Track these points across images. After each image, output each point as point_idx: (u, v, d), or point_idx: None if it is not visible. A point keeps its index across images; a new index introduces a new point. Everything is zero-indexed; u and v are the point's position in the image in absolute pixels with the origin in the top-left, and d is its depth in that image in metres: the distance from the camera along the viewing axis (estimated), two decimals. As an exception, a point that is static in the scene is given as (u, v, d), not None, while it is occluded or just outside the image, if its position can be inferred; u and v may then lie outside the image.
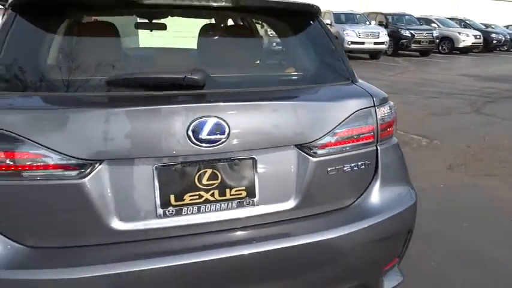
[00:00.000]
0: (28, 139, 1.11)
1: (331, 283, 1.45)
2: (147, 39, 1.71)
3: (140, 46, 1.72)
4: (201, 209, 1.26)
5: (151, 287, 1.19)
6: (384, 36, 14.55)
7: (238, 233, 1.30)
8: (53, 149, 1.12)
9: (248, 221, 1.31)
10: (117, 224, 1.19)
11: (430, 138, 4.71)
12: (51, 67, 1.33)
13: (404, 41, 15.61)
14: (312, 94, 1.46)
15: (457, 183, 3.47)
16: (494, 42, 18.96)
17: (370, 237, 1.42)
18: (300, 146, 1.34)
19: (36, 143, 1.11)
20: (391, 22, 16.58)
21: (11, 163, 1.11)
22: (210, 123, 1.20)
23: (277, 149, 1.33)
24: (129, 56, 1.67)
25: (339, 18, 15.29)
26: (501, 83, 9.63)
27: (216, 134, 1.21)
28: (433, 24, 17.81)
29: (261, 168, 1.31)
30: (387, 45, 14.89)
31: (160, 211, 1.22)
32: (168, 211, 1.23)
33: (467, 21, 19.77)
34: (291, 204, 1.35)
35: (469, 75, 10.99)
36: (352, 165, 1.43)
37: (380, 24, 16.20)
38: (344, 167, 1.41)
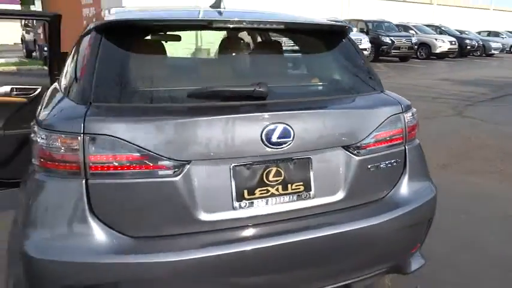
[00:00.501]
0: (131, 143, 1.32)
1: (374, 263, 1.70)
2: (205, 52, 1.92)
3: (207, 58, 1.94)
4: (268, 201, 1.49)
5: (230, 268, 1.40)
6: (365, 43, 14.84)
7: (299, 221, 1.53)
8: (152, 152, 1.33)
9: (306, 211, 1.55)
10: (202, 215, 1.41)
11: (420, 140, 5.04)
12: (141, 80, 1.54)
13: (385, 47, 16.20)
14: (353, 102, 1.71)
15: (448, 181, 3.79)
16: (468, 47, 19.85)
17: (401, 224, 1.68)
18: (346, 147, 1.59)
19: (139, 146, 1.32)
20: (372, 29, 17.15)
21: (118, 164, 1.32)
22: (280, 128, 1.44)
23: (327, 149, 1.57)
24: (202, 69, 1.88)
25: None
26: (478, 86, 10.20)
27: (284, 138, 1.44)
28: (411, 31, 18.52)
29: (315, 166, 1.55)
30: (369, 52, 15.35)
31: (236, 204, 1.45)
32: (242, 204, 1.45)
33: (442, 28, 20.63)
34: (339, 196, 1.60)
35: (447, 79, 11.55)
36: (387, 162, 1.69)
37: (361, 31, 16.72)
38: (380, 164, 1.67)
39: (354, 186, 1.61)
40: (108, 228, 1.34)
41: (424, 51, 18.25)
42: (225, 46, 1.87)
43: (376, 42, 16.05)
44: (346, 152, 1.59)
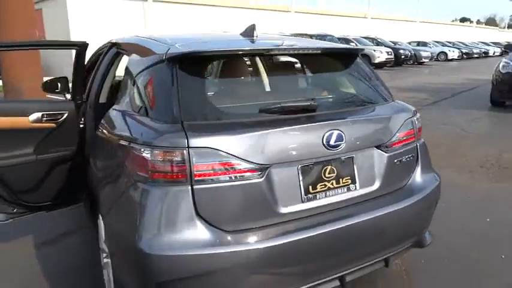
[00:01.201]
0: (226, 152, 1.60)
1: (404, 239, 2.09)
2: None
3: (263, 78, 2.22)
4: (327, 194, 1.83)
5: (306, 250, 1.71)
6: None
7: (349, 208, 1.88)
8: (242, 158, 1.62)
9: (354, 200, 1.90)
10: (280, 209, 1.71)
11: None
12: (217, 100, 1.83)
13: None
14: (380, 110, 2.11)
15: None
16: (403, 57, 21.61)
17: (421, 206, 2.08)
18: (378, 146, 1.98)
19: (232, 154, 1.60)
20: None
21: (216, 171, 1.59)
22: (335, 133, 1.79)
23: (365, 149, 1.94)
24: (262, 88, 2.18)
25: None
26: (419, 92, 11.27)
27: (339, 141, 1.80)
28: (351, 44, 19.83)
29: (357, 163, 1.92)
30: None
31: (304, 197, 1.77)
32: (308, 197, 1.78)
33: (378, 40, 22.28)
34: (375, 186, 1.97)
35: (391, 87, 12.54)
36: (406, 157, 2.10)
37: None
38: (402, 158, 2.07)
39: (385, 178, 2.00)
40: (209, 225, 1.61)
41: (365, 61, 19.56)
42: (276, 68, 2.20)
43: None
44: (378, 150, 1.98)
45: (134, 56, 2.19)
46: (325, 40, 19.12)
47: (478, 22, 66.04)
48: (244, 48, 2.00)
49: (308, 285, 1.80)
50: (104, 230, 1.96)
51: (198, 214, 1.59)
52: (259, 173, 1.66)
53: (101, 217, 2.21)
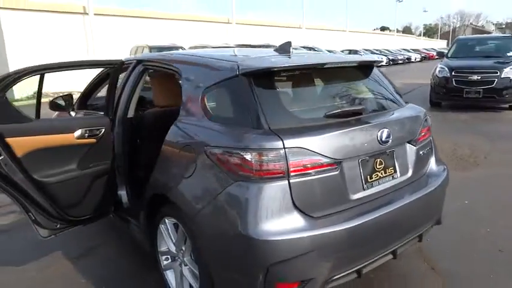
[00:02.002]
0: (312, 150, 1.91)
1: (431, 217, 2.51)
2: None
3: (320, 87, 2.54)
4: (379, 182, 2.20)
5: (371, 228, 2.06)
6: None
7: (395, 193, 2.27)
8: (324, 155, 1.94)
9: (397, 186, 2.30)
10: (350, 196, 2.06)
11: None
12: (291, 107, 2.12)
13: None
14: (405, 111, 2.53)
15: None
16: (339, 64, 22.97)
17: (440, 190, 2.53)
18: (409, 141, 2.40)
19: (316, 152, 1.92)
20: None
21: (306, 166, 1.90)
22: (386, 131, 2.18)
23: (401, 144, 2.35)
24: (322, 96, 2.49)
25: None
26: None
27: (388, 138, 2.19)
28: (292, 53, 20.77)
29: (396, 156, 2.32)
30: None
31: (364, 186, 2.13)
32: (367, 185, 2.14)
33: (315, 49, 23.55)
34: (409, 174, 2.38)
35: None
36: (426, 149, 2.55)
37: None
38: (424, 150, 2.52)
39: (415, 167, 2.43)
40: (302, 213, 1.90)
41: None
42: (326, 79, 2.53)
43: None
44: (409, 144, 2.41)
45: (193, 72, 2.41)
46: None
47: (397, 31, 72.11)
48: (306, 63, 2.35)
49: (373, 259, 2.15)
50: (187, 231, 2.15)
51: (294, 204, 1.88)
52: (336, 166, 2.00)
53: (167, 221, 2.40)
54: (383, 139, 2.18)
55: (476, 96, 8.84)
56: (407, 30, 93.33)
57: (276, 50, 2.68)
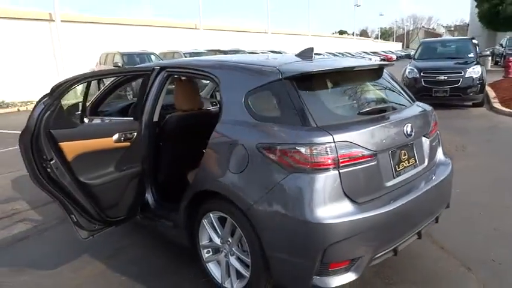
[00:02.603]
0: (356, 143, 2.17)
1: (444, 201, 2.84)
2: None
3: (351, 88, 2.81)
4: (404, 171, 2.49)
5: (403, 213, 2.33)
6: None
7: (417, 180, 2.57)
8: (365, 147, 2.21)
9: (418, 175, 2.60)
10: (385, 183, 2.33)
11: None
12: (331, 106, 2.37)
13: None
14: (419, 108, 2.85)
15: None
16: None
17: (450, 177, 2.87)
18: (424, 135, 2.72)
19: (359, 145, 2.18)
20: None
21: (352, 157, 2.15)
22: (409, 126, 2.48)
23: (419, 138, 2.67)
24: (355, 95, 2.74)
25: (130, 59, 14.14)
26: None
27: (412, 131, 2.49)
28: (261, 57, 21.14)
29: (415, 148, 2.63)
30: None
31: (394, 174, 2.41)
32: (396, 174, 2.43)
33: (283, 53, 24.09)
34: (426, 164, 2.70)
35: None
36: (436, 141, 2.88)
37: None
38: (434, 143, 2.85)
39: (429, 157, 2.75)
40: (349, 199, 2.16)
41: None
42: (353, 80, 2.79)
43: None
44: (424, 137, 2.73)
45: (234, 77, 2.61)
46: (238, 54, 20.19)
47: (354, 34, 74.57)
48: (338, 67, 2.63)
49: (405, 239, 2.44)
50: (238, 222, 2.35)
51: (343, 191, 2.14)
52: (373, 157, 2.27)
53: (212, 215, 2.58)
54: (408, 132, 2.48)
55: (444, 95, 9.51)
56: (364, 34, 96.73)
57: (298, 56, 2.93)
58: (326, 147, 2.10)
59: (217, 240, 2.62)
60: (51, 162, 2.47)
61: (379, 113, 2.50)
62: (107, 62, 15.53)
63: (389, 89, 2.92)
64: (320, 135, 2.13)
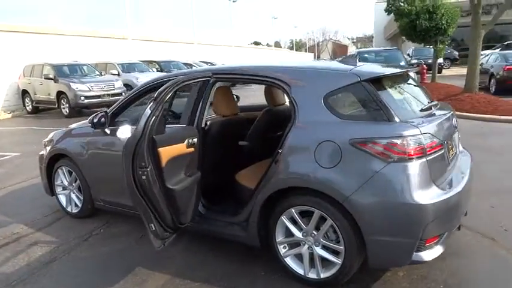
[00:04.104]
0: (433, 135, 2.52)
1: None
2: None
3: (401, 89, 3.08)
4: (451, 158, 2.90)
5: (464, 193, 2.69)
6: (119, 87, 13.80)
7: (458, 165, 3.01)
8: (439, 138, 2.57)
9: (456, 161, 3.04)
10: (447, 168, 2.72)
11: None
12: (396, 104, 2.66)
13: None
14: (445, 105, 3.32)
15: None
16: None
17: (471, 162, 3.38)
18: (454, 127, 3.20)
19: (435, 136, 2.53)
20: (125, 70, 16.20)
21: (433, 146, 2.49)
22: (455, 119, 2.92)
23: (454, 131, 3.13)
24: (407, 94, 3.04)
25: (62, 71, 13.53)
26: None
27: (454, 125, 2.92)
28: (193, 67, 21.09)
29: (453, 139, 3.07)
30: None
31: (449, 161, 2.81)
32: (449, 161, 2.83)
33: (212, 63, 24.26)
34: (458, 152, 3.17)
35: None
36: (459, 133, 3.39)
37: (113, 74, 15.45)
38: (459, 134, 3.35)
39: (458, 146, 3.23)
40: (433, 182, 2.50)
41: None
42: (401, 82, 3.13)
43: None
44: (455, 129, 3.20)
45: (309, 81, 2.82)
46: (171, 65, 19.91)
47: (268, 45, 77.70)
48: (397, 71, 2.98)
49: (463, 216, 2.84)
50: (329, 213, 2.56)
51: (430, 176, 2.47)
52: (442, 147, 2.65)
53: (293, 210, 2.74)
54: (455, 125, 2.92)
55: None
56: (277, 45, 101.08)
57: (342, 62, 3.24)
58: (416, 139, 2.43)
59: (298, 234, 2.78)
60: (148, 169, 2.44)
61: (430, 109, 2.91)
62: (33, 74, 14.32)
63: (421, 89, 3.36)
64: (410, 128, 2.45)
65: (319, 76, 2.88)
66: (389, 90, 2.81)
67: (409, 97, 2.99)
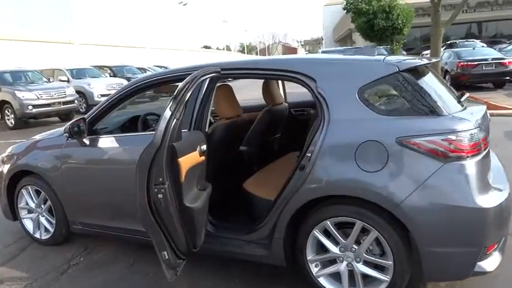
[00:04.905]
0: (481, 129, 2.24)
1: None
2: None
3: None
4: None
5: None
6: (71, 94, 12.50)
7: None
8: (483, 133, 2.29)
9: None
10: (490, 165, 2.47)
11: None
12: (436, 96, 2.34)
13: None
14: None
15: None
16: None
17: None
18: None
19: (483, 130, 2.26)
20: (75, 76, 14.85)
21: (484, 142, 2.22)
22: (488, 113, 2.68)
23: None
24: (438, 85, 2.70)
25: (3, 78, 12.32)
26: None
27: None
28: (148, 71, 20.18)
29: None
30: (79, 103, 13.27)
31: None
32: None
33: (166, 67, 23.46)
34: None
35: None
36: None
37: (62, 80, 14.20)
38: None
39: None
40: (488, 182, 2.22)
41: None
42: (427, 74, 2.82)
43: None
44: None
45: (339, 74, 2.46)
46: (124, 70, 18.84)
47: (218, 49, 77.35)
48: (428, 62, 2.68)
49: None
50: (374, 224, 2.22)
51: (486, 175, 2.19)
52: (487, 140, 2.39)
53: (329, 223, 2.37)
54: (489, 118, 2.69)
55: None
56: (228, 48, 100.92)
57: (357, 53, 2.92)
58: (471, 134, 2.14)
59: (335, 249, 2.41)
60: (166, 186, 1.96)
61: (464, 102, 2.65)
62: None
63: (442, 81, 3.12)
64: (464, 122, 2.16)
65: (350, 67, 2.52)
66: (425, 81, 2.52)
67: (441, 88, 2.72)
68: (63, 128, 3.24)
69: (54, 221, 3.46)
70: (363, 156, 2.23)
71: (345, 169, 2.28)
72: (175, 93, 2.08)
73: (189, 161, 2.17)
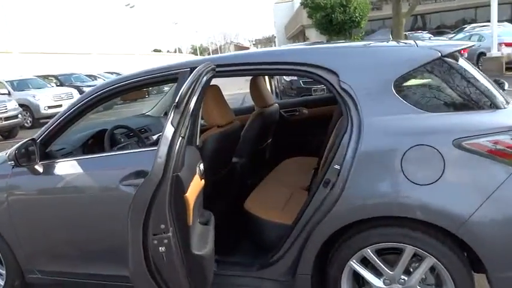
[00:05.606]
0: None
1: None
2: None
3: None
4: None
5: None
6: (13, 108, 11.03)
7: None
8: None
9: None
10: None
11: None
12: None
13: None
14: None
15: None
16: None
17: None
18: None
19: None
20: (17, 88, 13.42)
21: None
22: None
23: None
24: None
25: None
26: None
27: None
28: (99, 79, 18.94)
29: None
30: (23, 117, 11.99)
31: None
32: None
33: (118, 73, 22.27)
34: None
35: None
36: None
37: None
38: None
39: None
40: None
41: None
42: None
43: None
44: None
45: (363, 65, 1.97)
46: (71, 78, 17.50)
47: (168, 51, 75.84)
48: (465, 44, 2.23)
49: None
50: (431, 249, 1.77)
51: None
52: None
53: (369, 251, 1.89)
54: None
55: (322, 93, 10.20)
56: (179, 51, 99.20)
57: (373, 40, 2.47)
58: None
59: (378, 283, 1.92)
60: (170, 234, 1.37)
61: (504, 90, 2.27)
62: None
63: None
64: None
65: (380, 55, 2.04)
66: (467, 68, 2.09)
67: (482, 76, 2.32)
68: (7, 153, 2.53)
69: (3, 272, 2.72)
70: (411, 166, 1.76)
71: (391, 183, 1.80)
72: (176, 101, 1.49)
73: (193, 192, 1.59)
